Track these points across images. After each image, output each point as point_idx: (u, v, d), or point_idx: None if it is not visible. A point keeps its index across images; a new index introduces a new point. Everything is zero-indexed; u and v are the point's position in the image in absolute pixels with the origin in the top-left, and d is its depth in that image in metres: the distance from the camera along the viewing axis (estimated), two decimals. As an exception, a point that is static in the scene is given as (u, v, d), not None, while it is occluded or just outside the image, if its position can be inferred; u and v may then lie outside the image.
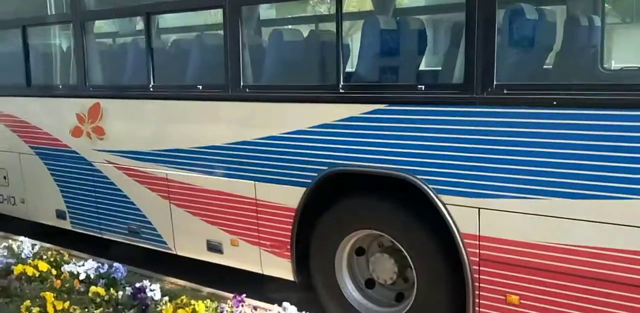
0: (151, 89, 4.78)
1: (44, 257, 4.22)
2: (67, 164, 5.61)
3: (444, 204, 3.45)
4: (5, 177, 6.35)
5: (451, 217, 3.43)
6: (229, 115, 4.36)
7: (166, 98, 4.72)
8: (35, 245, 4.29)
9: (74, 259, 4.02)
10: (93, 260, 4.09)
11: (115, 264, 3.83)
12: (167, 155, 4.79)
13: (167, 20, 5.64)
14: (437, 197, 3.45)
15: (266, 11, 4.98)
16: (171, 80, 4.89)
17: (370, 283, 4.13)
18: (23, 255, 4.10)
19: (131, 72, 5.17)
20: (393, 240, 3.81)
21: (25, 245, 4.19)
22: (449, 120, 3.36)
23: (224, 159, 4.43)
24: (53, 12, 5.51)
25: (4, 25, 6.02)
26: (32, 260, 4.04)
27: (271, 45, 4.42)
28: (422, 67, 4.10)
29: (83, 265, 3.90)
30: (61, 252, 4.36)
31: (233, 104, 4.31)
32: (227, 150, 4.39)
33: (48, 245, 5.47)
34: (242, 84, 4.21)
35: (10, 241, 4.63)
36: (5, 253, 4.21)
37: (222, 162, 4.44)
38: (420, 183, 3.49)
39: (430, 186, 3.47)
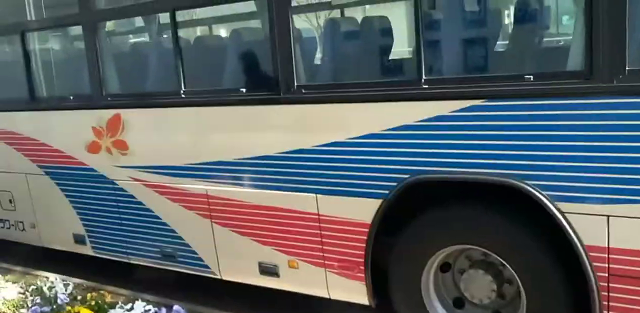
0: (183, 95, 4.17)
1: (80, 297, 3.59)
2: (84, 183, 4.97)
3: (562, 213, 2.92)
4: (10, 201, 5.67)
5: (572, 227, 2.91)
6: (281, 121, 3.78)
7: (202, 104, 4.11)
8: (68, 284, 3.66)
9: (119, 302, 3.40)
10: (139, 299, 3.46)
11: (176, 307, 3.21)
12: (206, 169, 4.19)
13: (195, 12, 4.94)
14: (553, 204, 2.93)
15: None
16: (206, 83, 4.27)
17: (458, 302, 3.61)
18: (59, 301, 3.46)
19: (156, 77, 4.53)
20: (493, 255, 3.29)
21: (58, 286, 3.55)
22: (567, 115, 2.83)
23: (277, 171, 3.84)
24: (57, 14, 4.86)
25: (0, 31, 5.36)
26: (72, 307, 3.39)
27: (327, 37, 3.84)
28: (525, 53, 3.55)
29: (132, 308, 3.27)
30: (100, 291, 3.74)
31: (286, 107, 3.73)
32: (281, 160, 3.81)
33: (77, 280, 4.83)
34: (295, 84, 3.64)
35: (37, 281, 3.96)
36: (38, 300, 3.55)
37: (275, 174, 3.86)
38: (531, 189, 2.97)
39: (544, 192, 2.94)
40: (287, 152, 3.78)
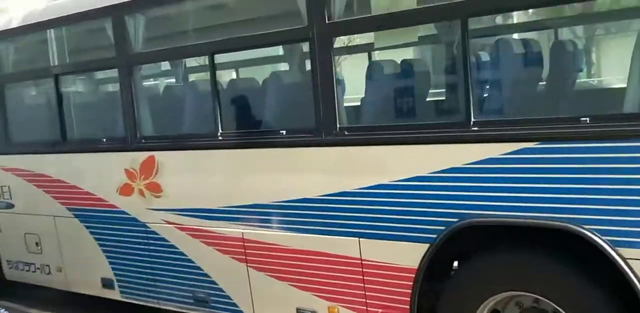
0: (220, 138, 4.14)
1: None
2: (115, 226, 4.90)
3: (624, 259, 2.82)
4: (37, 244, 5.59)
5: (636, 274, 2.81)
6: (322, 163, 3.71)
7: (239, 147, 4.06)
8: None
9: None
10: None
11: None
12: (242, 212, 4.11)
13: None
14: (614, 250, 2.83)
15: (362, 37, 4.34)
16: (244, 126, 4.25)
17: (507, 351, 3.47)
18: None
19: (192, 120, 4.52)
20: (546, 301, 3.16)
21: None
22: (626, 158, 2.76)
23: (317, 214, 3.76)
24: (89, 58, 4.90)
25: (33, 75, 5.40)
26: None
27: (371, 79, 3.82)
28: (580, 95, 3.51)
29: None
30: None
31: (327, 149, 3.67)
32: (322, 203, 3.73)
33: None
34: (338, 126, 3.60)
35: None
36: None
37: (316, 217, 3.77)
38: (590, 234, 2.87)
39: (604, 238, 2.85)
40: (328, 195, 3.70)
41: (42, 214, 5.44)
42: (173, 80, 5.61)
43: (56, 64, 5.04)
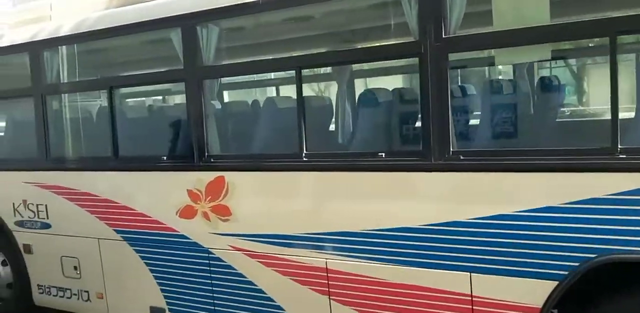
0: (304, 159, 3.81)
1: None
2: (171, 251, 4.49)
3: None
4: (76, 268, 5.14)
5: None
6: (429, 190, 3.38)
7: (328, 169, 3.73)
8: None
9: None
10: None
11: None
12: (327, 240, 3.76)
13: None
14: None
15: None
16: (333, 146, 3.91)
17: None
18: None
19: (270, 138, 4.18)
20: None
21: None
22: None
23: (420, 245, 3.42)
24: (151, 70, 4.53)
25: (84, 86, 5.01)
26: None
27: (490, 97, 3.52)
28: None
29: None
30: None
31: (436, 175, 3.35)
32: (427, 233, 3.39)
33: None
34: (451, 149, 3.29)
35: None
36: None
37: (418, 249, 3.44)
38: None
39: None
40: (435, 225, 3.37)
41: (83, 236, 5.00)
42: (247, 94, 5.25)
43: (112, 75, 4.67)
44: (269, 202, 4.00)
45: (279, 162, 3.94)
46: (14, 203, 5.44)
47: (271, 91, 5.00)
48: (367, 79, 4.85)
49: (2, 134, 5.96)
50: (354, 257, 3.67)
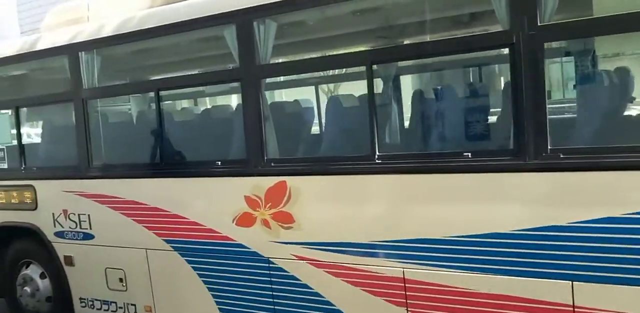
0: (377, 161, 3.52)
1: None
2: (227, 261, 4.19)
3: None
4: (121, 280, 4.86)
5: None
6: (523, 192, 3.08)
7: (405, 171, 3.45)
8: None
9: None
10: None
11: None
12: (404, 248, 3.46)
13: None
14: None
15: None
16: (410, 147, 3.62)
17: None
18: None
19: (337, 140, 3.89)
20: None
21: None
22: None
23: (513, 251, 3.12)
24: (202, 70, 4.25)
25: (128, 89, 4.75)
26: None
27: (590, 88, 3.21)
28: None
29: None
30: None
31: (532, 175, 3.05)
32: (520, 239, 3.09)
33: None
34: (549, 147, 2.99)
35: None
36: None
37: (511, 256, 3.13)
38: None
39: None
40: (530, 230, 3.06)
41: (130, 247, 4.72)
42: (307, 93, 4.93)
43: (159, 77, 4.40)
44: (337, 208, 3.71)
45: (348, 164, 3.64)
46: (53, 214, 5.18)
47: (324, 89, 4.69)
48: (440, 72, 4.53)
49: (39, 141, 5.71)
50: (436, 266, 3.37)
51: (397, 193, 3.51)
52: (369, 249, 3.59)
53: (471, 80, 4.00)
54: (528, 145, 3.02)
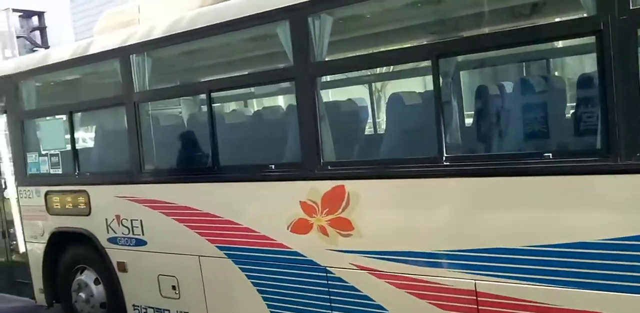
0: (445, 163, 3.22)
1: None
2: (282, 270, 3.96)
3: None
4: (174, 287, 4.70)
5: None
6: (614, 196, 2.72)
7: (476, 174, 3.13)
8: None
9: None
10: None
11: None
12: (476, 258, 3.13)
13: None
14: None
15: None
16: (483, 147, 3.31)
17: None
18: None
19: (400, 141, 3.61)
20: None
21: None
22: None
23: (601, 263, 2.77)
24: (255, 70, 4.04)
25: (179, 91, 4.59)
26: None
27: None
28: None
29: None
30: None
31: (624, 178, 2.69)
32: (609, 250, 2.71)
33: None
34: (645, 146, 2.64)
35: None
36: None
37: (598, 268, 2.78)
38: None
39: None
40: (620, 239, 2.70)
41: (182, 253, 4.54)
42: (363, 91, 4.68)
43: (210, 78, 4.21)
44: (400, 214, 3.42)
45: (412, 167, 3.34)
46: (106, 219, 5.07)
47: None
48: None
49: (93, 145, 5.63)
50: (512, 278, 3.03)
51: (468, 198, 3.18)
52: (436, 259, 3.28)
53: (551, 73, 3.63)
54: (619, 144, 2.66)
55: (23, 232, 6.03)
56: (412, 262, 3.38)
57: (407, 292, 3.42)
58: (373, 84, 4.79)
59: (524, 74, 3.79)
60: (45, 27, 13.21)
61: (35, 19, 13.27)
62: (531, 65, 4.06)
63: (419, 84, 4.02)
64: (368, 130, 3.81)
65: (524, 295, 3.01)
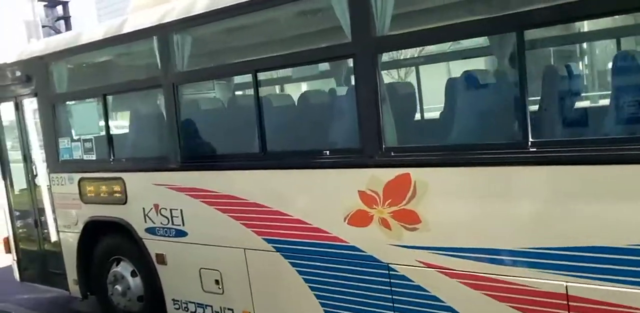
0: (531, 149, 2.82)
1: None
2: (338, 266, 3.62)
3: None
4: (217, 282, 4.38)
5: None
6: None
7: (568, 162, 2.73)
8: None
9: None
10: None
11: None
12: (567, 257, 2.73)
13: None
14: None
15: None
16: (571, 131, 2.91)
17: None
18: None
19: (475, 123, 3.21)
20: None
21: None
22: None
23: None
24: (309, 46, 3.65)
25: (223, 71, 4.23)
26: None
27: None
28: None
29: None
30: None
31: None
32: None
33: None
34: None
35: None
36: None
37: None
38: None
39: None
40: None
41: (226, 246, 4.22)
42: (426, 69, 4.26)
43: (257, 56, 3.83)
44: (476, 206, 3.02)
45: (491, 154, 2.94)
46: (144, 208, 4.77)
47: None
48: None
49: (128, 130, 5.32)
50: (613, 281, 2.64)
51: (558, 189, 2.77)
52: (519, 258, 2.89)
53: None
54: None
55: (55, 221, 5.80)
56: (490, 260, 2.99)
57: (484, 294, 3.03)
58: (436, 65, 4.36)
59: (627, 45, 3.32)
60: (70, 16, 13.02)
61: (59, 8, 13.09)
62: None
63: (487, 63, 3.61)
64: (434, 112, 3.40)
65: (625, 301, 2.61)
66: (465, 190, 3.07)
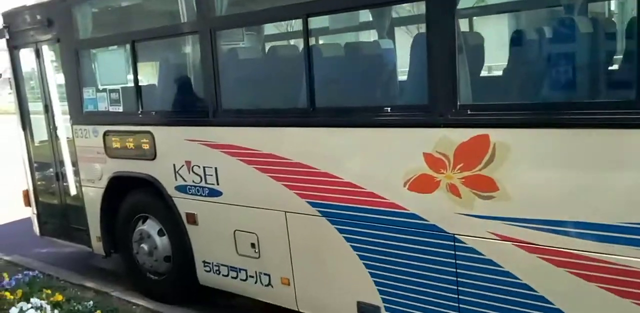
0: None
1: None
2: (394, 235, 3.25)
3: None
4: (253, 245, 4.04)
5: None
6: None
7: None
8: None
9: None
10: None
11: None
12: (679, 235, 2.40)
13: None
14: None
15: None
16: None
17: None
18: None
19: (568, 78, 2.76)
20: None
21: None
22: None
23: None
24: None
25: (266, 16, 3.77)
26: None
27: None
28: None
29: None
30: None
31: None
32: None
33: None
34: None
35: None
36: None
37: None
38: None
39: None
40: None
41: (266, 208, 3.85)
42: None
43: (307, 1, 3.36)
44: (568, 174, 2.60)
45: (593, 113, 2.51)
46: (174, 165, 4.39)
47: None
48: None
49: (158, 81, 4.89)
50: None
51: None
52: (616, 233, 2.50)
53: None
54: None
55: (76, 174, 5.45)
56: (579, 234, 2.59)
57: (569, 272, 2.66)
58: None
59: None
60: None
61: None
62: None
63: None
64: (519, 67, 2.97)
65: None
66: (557, 156, 2.64)
